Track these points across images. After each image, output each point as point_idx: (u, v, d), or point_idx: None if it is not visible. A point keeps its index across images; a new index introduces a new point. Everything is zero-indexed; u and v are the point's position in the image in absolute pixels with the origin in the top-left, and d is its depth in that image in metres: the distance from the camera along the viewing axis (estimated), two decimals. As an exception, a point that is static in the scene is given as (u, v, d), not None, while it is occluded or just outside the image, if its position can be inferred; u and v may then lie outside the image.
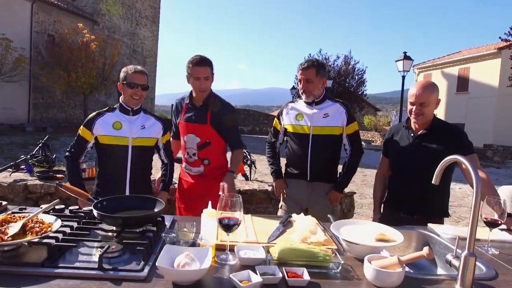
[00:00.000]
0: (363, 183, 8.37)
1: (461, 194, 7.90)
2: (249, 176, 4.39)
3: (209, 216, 1.28)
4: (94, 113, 2.26)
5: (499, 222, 1.60)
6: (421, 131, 2.23)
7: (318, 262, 1.26)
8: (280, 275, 1.14)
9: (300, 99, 2.63)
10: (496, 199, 1.64)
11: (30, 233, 1.20)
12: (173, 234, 1.27)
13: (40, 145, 3.77)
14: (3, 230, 1.18)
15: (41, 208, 1.52)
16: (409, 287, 1.19)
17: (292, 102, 2.68)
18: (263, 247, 1.32)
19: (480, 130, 19.16)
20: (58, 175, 3.42)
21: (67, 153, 2.24)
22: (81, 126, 2.23)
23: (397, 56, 12.58)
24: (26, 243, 1.20)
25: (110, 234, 1.37)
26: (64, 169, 4.04)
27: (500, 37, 12.23)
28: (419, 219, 2.15)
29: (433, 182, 1.50)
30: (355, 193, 3.94)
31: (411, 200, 2.22)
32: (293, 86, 28.45)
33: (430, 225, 1.88)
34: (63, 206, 1.57)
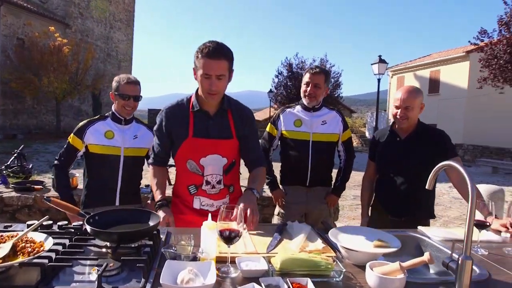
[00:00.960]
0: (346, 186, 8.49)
1: (436, 193, 8.15)
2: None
3: (209, 229, 1.26)
4: (85, 121, 2.21)
5: (487, 224, 1.66)
6: (406, 135, 2.29)
7: (320, 271, 1.26)
8: (286, 286, 1.13)
9: (297, 105, 2.65)
10: (484, 202, 1.70)
11: (21, 253, 1.14)
12: (173, 249, 1.23)
13: (15, 155, 3.61)
14: None
15: (28, 225, 1.46)
16: (409, 292, 1.21)
17: (289, 107, 2.69)
18: (263, 257, 1.31)
19: (450, 130, 19.88)
20: (36, 186, 3.28)
21: (56, 162, 2.16)
22: (71, 134, 2.17)
23: (370, 58, 12.89)
24: (17, 265, 1.13)
25: (104, 250, 1.32)
26: (42, 179, 3.88)
27: (469, 41, 12.77)
28: (407, 221, 2.21)
29: (426, 187, 1.53)
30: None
31: (399, 202, 2.28)
32: (270, 89, 28.64)
33: (420, 228, 1.92)
34: (51, 222, 1.49)
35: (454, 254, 1.32)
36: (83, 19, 22.32)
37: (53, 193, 3.33)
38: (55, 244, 1.27)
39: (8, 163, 3.56)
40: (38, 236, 1.26)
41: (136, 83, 2.17)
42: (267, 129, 2.75)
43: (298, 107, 2.64)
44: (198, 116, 1.81)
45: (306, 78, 2.56)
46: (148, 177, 2.14)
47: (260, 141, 2.81)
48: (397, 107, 2.24)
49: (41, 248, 1.16)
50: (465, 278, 1.23)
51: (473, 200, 1.23)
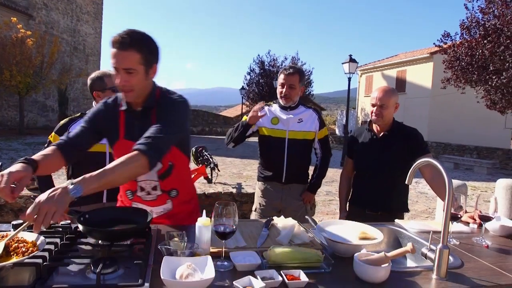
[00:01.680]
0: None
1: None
2: (211, 179, 4.38)
3: (204, 225, 1.29)
4: (66, 120, 2.18)
5: (459, 216, 1.79)
6: (382, 133, 2.42)
7: (310, 263, 1.32)
8: (280, 278, 1.18)
9: (275, 103, 2.70)
10: (456, 196, 1.83)
11: (15, 254, 1.12)
12: (170, 245, 1.25)
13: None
14: None
15: (13, 225, 1.43)
16: (393, 280, 1.29)
17: (267, 105, 2.74)
18: (256, 252, 1.36)
19: (416, 127, 20.87)
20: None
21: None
22: (53, 133, 2.13)
23: (339, 57, 13.23)
24: (10, 266, 1.11)
25: (97, 248, 1.32)
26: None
27: (434, 43, 13.36)
28: (383, 215, 2.34)
29: (406, 182, 1.63)
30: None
31: (375, 197, 2.39)
32: (242, 86, 28.69)
33: (397, 221, 2.03)
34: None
35: (431, 245, 1.43)
36: (47, 10, 21.34)
37: (26, 192, 3.21)
38: (47, 243, 1.25)
39: (-24, 161, 3.39)
40: (29, 236, 1.24)
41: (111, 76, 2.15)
42: (244, 118, 2.71)
43: (276, 106, 2.71)
44: (127, 116, 1.63)
45: (280, 79, 2.61)
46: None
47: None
48: (373, 105, 2.36)
49: (35, 248, 1.15)
50: (442, 266, 1.33)
51: (450, 194, 1.34)
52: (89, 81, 2.20)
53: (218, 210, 1.26)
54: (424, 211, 6.67)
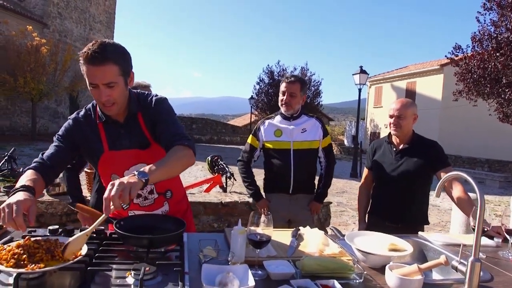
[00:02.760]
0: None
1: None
2: (226, 188, 4.41)
3: (240, 234, 1.31)
4: None
5: (485, 230, 1.79)
6: (402, 145, 2.43)
7: (342, 273, 1.34)
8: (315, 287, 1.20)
9: (277, 115, 2.73)
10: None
11: (60, 257, 1.16)
12: (204, 253, 1.28)
13: (5, 157, 3.52)
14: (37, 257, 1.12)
15: (50, 230, 1.47)
16: (425, 292, 1.30)
17: (268, 118, 2.78)
18: (289, 261, 1.38)
19: (426, 139, 20.83)
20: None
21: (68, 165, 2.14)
22: None
23: (348, 68, 13.27)
24: (55, 270, 1.15)
25: (132, 255, 1.35)
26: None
27: (446, 56, 13.36)
28: (403, 228, 2.33)
29: (435, 195, 1.64)
30: (331, 202, 4.10)
31: (395, 209, 2.39)
32: (252, 96, 28.85)
33: (420, 233, 2.03)
34: (72, 227, 1.51)
35: (461, 259, 1.43)
36: (61, 19, 21.81)
37: (47, 197, 3.27)
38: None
39: (-1, 166, 3.47)
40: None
41: (147, 86, 2.25)
42: (249, 141, 2.80)
43: (278, 117, 2.72)
44: (108, 127, 1.60)
45: (282, 87, 2.65)
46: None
47: (241, 153, 2.82)
48: (390, 116, 2.39)
49: (78, 253, 1.18)
50: (474, 279, 1.33)
51: (482, 207, 1.35)
52: None
53: (253, 219, 1.29)
54: (437, 224, 6.61)
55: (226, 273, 1.14)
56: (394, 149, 2.46)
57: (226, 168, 4.26)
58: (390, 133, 2.48)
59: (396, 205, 2.39)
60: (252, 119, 29.80)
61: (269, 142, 2.68)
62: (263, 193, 2.79)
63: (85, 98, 24.10)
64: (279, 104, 2.68)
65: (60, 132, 1.61)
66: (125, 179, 1.19)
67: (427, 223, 2.50)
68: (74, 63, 21.16)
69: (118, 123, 1.60)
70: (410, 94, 23.19)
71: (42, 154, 1.55)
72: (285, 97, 2.61)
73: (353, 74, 13.08)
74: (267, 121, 2.75)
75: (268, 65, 29.71)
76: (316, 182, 2.80)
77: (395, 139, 2.47)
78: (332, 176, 2.81)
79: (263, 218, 1.30)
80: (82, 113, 1.64)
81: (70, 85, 19.53)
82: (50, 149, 1.56)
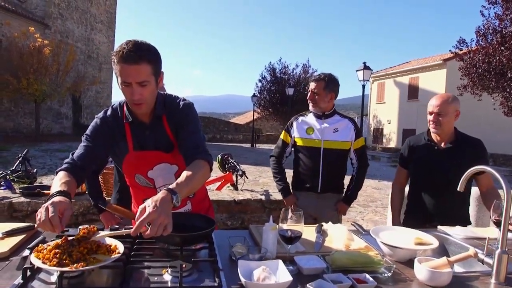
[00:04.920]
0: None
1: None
2: (237, 186, 4.43)
3: (272, 230, 1.33)
4: None
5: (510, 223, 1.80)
6: (444, 144, 2.30)
7: (372, 267, 1.36)
8: (349, 281, 1.22)
9: (310, 113, 2.75)
10: (499, 202, 1.84)
11: (106, 252, 1.19)
12: (237, 250, 1.30)
13: (20, 159, 3.56)
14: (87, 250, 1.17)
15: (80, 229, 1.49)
16: (454, 284, 1.32)
17: (302, 115, 2.79)
18: (318, 256, 1.40)
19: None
20: (46, 191, 3.24)
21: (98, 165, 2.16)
22: None
23: (350, 64, 13.26)
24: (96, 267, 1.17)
25: (166, 253, 1.38)
26: (39, 185, 3.83)
27: (450, 50, 13.33)
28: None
29: (458, 189, 1.65)
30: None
31: (438, 212, 2.29)
32: (254, 94, 28.87)
33: (440, 227, 2.04)
34: (103, 226, 1.53)
35: (479, 251, 1.45)
36: (63, 19, 21.85)
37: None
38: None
39: (14, 167, 3.50)
40: (104, 240, 1.30)
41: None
42: (281, 136, 2.82)
43: (311, 115, 2.73)
44: (134, 128, 1.62)
45: (309, 86, 2.71)
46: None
47: (273, 149, 2.88)
48: (430, 113, 2.26)
49: (117, 251, 1.21)
50: (502, 271, 1.35)
51: (509, 201, 1.37)
52: None
53: (285, 215, 1.31)
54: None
55: (263, 268, 1.17)
56: (436, 147, 2.32)
57: (238, 166, 4.28)
58: (428, 129, 2.36)
59: (438, 206, 2.28)
60: (255, 117, 29.80)
61: (300, 139, 2.69)
62: (291, 192, 2.80)
63: (87, 99, 24.19)
64: (308, 102, 2.73)
65: (88, 132, 1.61)
66: (162, 211, 1.14)
67: (469, 223, 2.37)
68: (76, 63, 21.27)
69: (144, 124, 1.61)
70: (413, 89, 23.16)
71: (72, 155, 1.55)
72: (309, 95, 2.65)
73: (356, 70, 13.08)
74: (300, 118, 2.75)
75: (270, 62, 29.73)
76: (345, 182, 2.79)
77: (435, 137, 2.34)
78: (364, 179, 2.76)
79: (292, 214, 1.32)
80: (109, 112, 1.65)
81: (72, 86, 19.59)
82: (80, 149, 1.57)
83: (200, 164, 1.45)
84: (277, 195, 3.84)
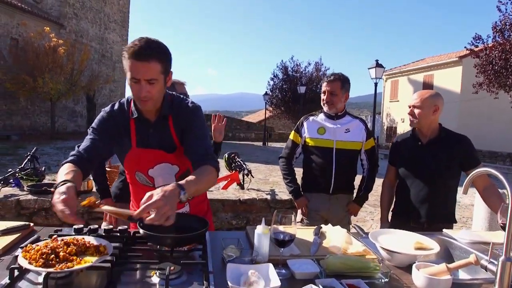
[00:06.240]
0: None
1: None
2: (243, 185, 4.41)
3: (264, 233, 1.30)
4: None
5: None
6: (428, 140, 2.33)
7: (368, 272, 1.31)
8: (341, 287, 1.18)
9: (321, 113, 2.70)
10: (506, 206, 1.77)
11: (93, 253, 1.18)
12: (229, 252, 1.28)
13: (28, 157, 3.60)
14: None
15: (75, 229, 1.48)
16: (454, 292, 1.26)
17: (312, 115, 2.74)
18: (312, 260, 1.36)
19: (444, 133, 20.47)
20: (53, 189, 3.27)
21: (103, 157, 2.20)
22: None
23: (362, 61, 13.09)
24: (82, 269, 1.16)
25: (157, 254, 1.36)
26: (51, 182, 3.88)
27: (465, 47, 13.01)
28: (429, 227, 2.23)
29: (462, 193, 1.59)
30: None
31: (421, 208, 2.29)
32: (266, 92, 28.81)
33: (445, 230, 1.98)
34: (96, 226, 1.52)
35: (491, 258, 1.38)
36: (77, 19, 22.21)
37: (69, 196, 3.33)
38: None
39: (22, 165, 3.55)
40: (95, 240, 1.29)
41: (181, 83, 2.38)
42: (291, 137, 2.76)
43: (321, 115, 2.68)
44: (139, 124, 1.62)
45: (323, 87, 2.63)
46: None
47: (283, 150, 2.83)
48: (409, 106, 2.33)
49: (105, 252, 1.19)
50: (505, 279, 1.28)
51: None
52: None
53: (277, 218, 1.28)
54: (458, 220, 6.43)
55: (251, 272, 1.14)
56: (420, 143, 2.35)
57: (244, 165, 4.26)
58: (414, 127, 2.39)
59: (422, 203, 2.28)
60: (267, 115, 29.75)
61: (311, 139, 2.64)
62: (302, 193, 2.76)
63: (101, 97, 24.54)
64: (322, 103, 2.65)
65: (94, 125, 1.61)
66: (168, 201, 1.19)
67: (455, 221, 2.38)
68: (90, 62, 21.60)
69: (148, 122, 1.61)
70: (428, 87, 22.72)
71: (78, 147, 1.55)
72: (325, 96, 2.59)
73: (368, 68, 12.89)
74: (311, 117, 2.71)
75: (282, 60, 29.57)
76: (355, 183, 2.75)
77: (419, 133, 2.37)
78: (374, 180, 2.74)
79: (302, 217, 1.28)
80: (116, 106, 1.65)
81: (87, 85, 19.90)
82: (86, 142, 1.56)
83: (209, 170, 1.48)
84: (283, 195, 3.81)
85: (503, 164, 14.89)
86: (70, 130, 21.70)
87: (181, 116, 1.62)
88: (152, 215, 1.15)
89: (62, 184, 1.29)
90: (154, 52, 1.41)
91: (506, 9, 11.82)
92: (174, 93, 1.72)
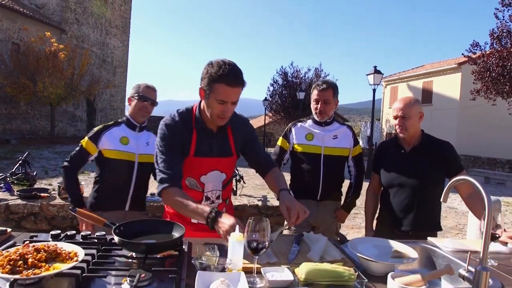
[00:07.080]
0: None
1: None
2: (236, 191, 4.39)
3: (237, 240, 1.29)
4: (100, 126, 2.27)
5: (497, 236, 1.71)
6: (411, 147, 2.31)
7: (343, 281, 1.30)
8: (313, 297, 1.17)
9: (309, 119, 2.69)
10: (493, 214, 1.76)
11: (62, 260, 1.17)
12: (202, 259, 1.27)
13: (20, 162, 3.61)
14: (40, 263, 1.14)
15: (52, 235, 1.48)
16: (429, 303, 1.25)
17: (300, 121, 2.73)
18: (287, 268, 1.35)
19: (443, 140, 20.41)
20: (42, 194, 3.27)
21: (66, 164, 2.21)
22: (86, 138, 2.22)
23: (362, 68, 13.10)
24: (51, 275, 1.15)
25: (134, 261, 1.35)
26: (39, 185, 3.88)
27: (462, 54, 13.04)
28: (414, 235, 2.22)
29: (441, 200, 1.57)
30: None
31: (405, 216, 2.28)
32: (265, 97, 28.85)
33: (430, 238, 1.96)
34: (74, 232, 1.52)
35: (469, 267, 1.37)
36: (79, 25, 22.34)
37: (58, 200, 3.33)
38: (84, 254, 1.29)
39: (13, 170, 3.55)
40: (68, 247, 1.28)
41: (154, 89, 2.31)
42: (279, 143, 2.75)
43: (310, 121, 2.67)
44: (202, 134, 1.74)
45: (314, 95, 2.59)
46: (155, 185, 1.72)
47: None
48: (395, 117, 2.29)
49: (75, 258, 1.19)
50: (481, 289, 1.28)
51: (489, 213, 1.29)
52: (137, 88, 2.26)
53: (251, 225, 1.27)
54: (454, 227, 6.43)
55: (221, 281, 1.13)
56: (403, 150, 2.33)
57: (236, 171, 4.25)
58: (396, 134, 2.37)
59: (406, 211, 2.27)
60: (266, 121, 29.76)
61: (299, 145, 2.62)
62: None
63: (102, 102, 24.62)
64: (313, 112, 2.63)
65: (163, 142, 1.69)
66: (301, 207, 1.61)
67: (440, 229, 2.37)
68: (91, 67, 21.70)
69: (211, 132, 1.77)
70: (427, 93, 22.75)
71: (165, 169, 1.63)
72: (319, 106, 2.55)
73: (367, 75, 12.91)
74: (299, 124, 2.70)
75: (282, 66, 29.68)
76: (343, 190, 2.74)
77: (403, 141, 2.35)
78: (362, 186, 2.73)
79: (262, 224, 1.28)
80: (178, 118, 1.74)
81: (87, 89, 19.98)
82: (170, 162, 1.65)
83: (278, 171, 1.89)
84: (274, 201, 3.79)
85: (501, 170, 14.84)
86: (70, 134, 21.73)
87: (239, 126, 1.85)
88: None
89: (215, 212, 1.49)
90: (242, 79, 1.61)
91: (503, 17, 11.88)
92: None
